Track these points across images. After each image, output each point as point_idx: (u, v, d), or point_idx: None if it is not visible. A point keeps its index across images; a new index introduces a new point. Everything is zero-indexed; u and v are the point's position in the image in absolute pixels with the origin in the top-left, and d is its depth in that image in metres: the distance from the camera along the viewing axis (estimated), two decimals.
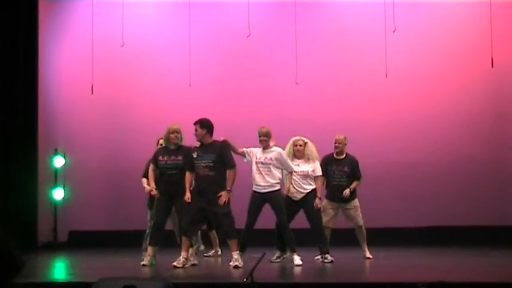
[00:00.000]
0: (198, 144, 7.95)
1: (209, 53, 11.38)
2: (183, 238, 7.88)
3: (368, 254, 8.62)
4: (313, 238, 8.33)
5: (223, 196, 7.72)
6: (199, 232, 8.92)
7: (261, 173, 8.08)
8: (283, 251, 8.41)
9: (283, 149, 8.36)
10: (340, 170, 8.67)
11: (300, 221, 8.45)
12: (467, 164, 10.82)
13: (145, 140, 10.04)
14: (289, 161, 8.22)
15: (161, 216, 8.14)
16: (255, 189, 8.15)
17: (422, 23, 11.10)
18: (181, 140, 8.16)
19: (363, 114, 11.01)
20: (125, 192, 11.04)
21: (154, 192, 8.09)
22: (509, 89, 10.92)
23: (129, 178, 10.61)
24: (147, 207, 8.71)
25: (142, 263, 8.01)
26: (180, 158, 8.06)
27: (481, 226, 10.47)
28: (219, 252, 9.23)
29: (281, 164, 8.14)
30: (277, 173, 8.13)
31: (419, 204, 10.83)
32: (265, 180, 8.06)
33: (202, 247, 9.29)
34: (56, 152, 11.37)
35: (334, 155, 8.75)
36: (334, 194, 8.60)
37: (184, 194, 7.80)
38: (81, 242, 11.10)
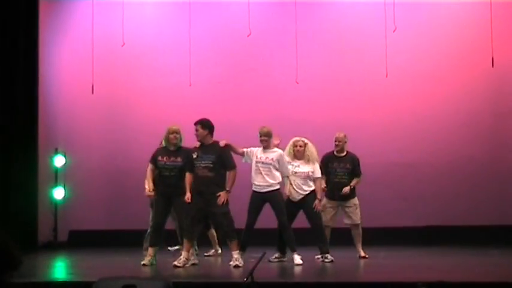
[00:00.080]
0: (197, 144, 7.95)
1: (209, 53, 11.37)
2: (184, 240, 7.88)
3: (363, 254, 8.60)
4: (313, 238, 8.34)
5: (222, 196, 7.73)
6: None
7: (261, 173, 8.08)
8: (283, 253, 8.41)
9: (283, 149, 8.36)
10: (342, 167, 8.68)
11: (300, 220, 8.45)
12: (467, 164, 10.82)
13: (145, 140, 10.05)
14: (287, 165, 8.21)
15: (160, 217, 8.13)
16: (255, 189, 8.15)
17: (422, 22, 11.10)
18: (180, 140, 8.15)
19: (363, 114, 11.01)
20: (125, 191, 11.04)
21: (150, 193, 8.09)
22: (509, 89, 10.92)
23: (129, 178, 10.63)
24: (150, 206, 8.71)
25: (142, 263, 8.01)
26: (179, 159, 8.05)
27: (480, 226, 10.46)
28: (219, 251, 9.22)
29: (280, 166, 8.13)
30: (277, 174, 8.13)
31: (419, 204, 10.82)
32: (265, 180, 8.06)
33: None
34: (56, 152, 11.37)
35: (335, 152, 8.75)
36: (334, 191, 8.60)
37: (182, 194, 7.80)
38: (81, 241, 11.10)
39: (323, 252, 8.24)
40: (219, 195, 7.72)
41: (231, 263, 7.75)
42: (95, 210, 11.42)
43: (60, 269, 8.98)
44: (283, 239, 8.27)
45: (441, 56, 10.99)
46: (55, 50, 11.66)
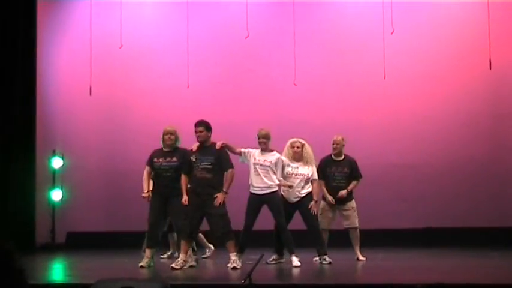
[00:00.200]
0: (195, 146, 7.91)
1: (207, 54, 11.37)
2: (182, 241, 7.85)
3: (361, 257, 8.57)
4: (311, 240, 8.30)
5: (219, 197, 7.70)
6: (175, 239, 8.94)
7: (259, 175, 8.05)
8: (280, 255, 8.38)
9: (280, 151, 8.31)
10: (340, 171, 8.65)
11: (298, 222, 8.42)
12: (467, 165, 10.80)
13: (143, 141, 10.03)
14: (281, 170, 8.14)
15: (156, 217, 8.11)
16: (253, 191, 8.11)
17: (420, 24, 11.09)
18: (176, 141, 8.12)
19: (362, 115, 11.00)
20: (123, 193, 11.01)
21: (145, 194, 8.08)
22: (507, 90, 10.92)
23: (127, 179, 10.60)
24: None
25: (140, 265, 7.98)
26: (175, 159, 8.03)
27: (480, 227, 10.45)
28: (212, 248, 9.12)
29: (276, 169, 8.09)
30: (275, 176, 8.09)
31: (419, 205, 10.81)
32: (263, 182, 8.03)
33: (176, 254, 9.16)
34: (54, 153, 11.35)
35: (333, 156, 8.72)
36: (333, 196, 8.56)
37: (178, 195, 7.78)
38: (79, 243, 11.08)
39: (320, 254, 8.21)
40: (216, 197, 7.69)
41: (229, 265, 7.71)
42: (92, 211, 11.39)
43: (57, 270, 8.95)
44: (280, 241, 8.24)
45: (440, 57, 10.99)
46: (53, 51, 11.65)
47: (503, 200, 10.72)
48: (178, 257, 7.89)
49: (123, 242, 10.52)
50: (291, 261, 7.96)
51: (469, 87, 10.89)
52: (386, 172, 10.80)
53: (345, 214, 8.65)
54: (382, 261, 8.59)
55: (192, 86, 10.89)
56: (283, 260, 8.33)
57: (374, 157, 10.51)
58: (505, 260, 8.47)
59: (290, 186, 8.15)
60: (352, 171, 8.67)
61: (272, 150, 8.18)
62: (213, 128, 7.96)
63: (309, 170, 8.32)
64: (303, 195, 8.28)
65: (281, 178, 8.10)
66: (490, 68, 10.04)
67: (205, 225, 8.06)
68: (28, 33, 11.04)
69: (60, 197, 11.37)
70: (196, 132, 7.87)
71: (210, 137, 7.93)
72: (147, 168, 8.18)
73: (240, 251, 7.96)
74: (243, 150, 8.16)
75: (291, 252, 8.04)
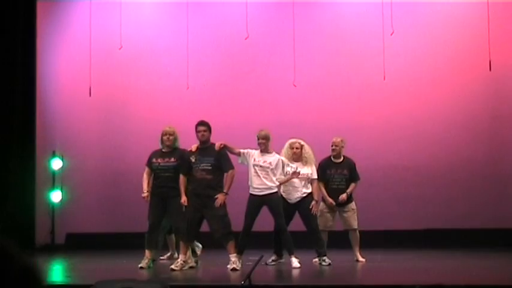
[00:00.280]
0: (194, 146, 7.91)
1: (207, 55, 11.36)
2: (181, 243, 7.85)
3: (360, 258, 8.56)
4: (310, 241, 8.30)
5: (219, 198, 7.70)
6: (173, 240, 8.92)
7: (259, 176, 8.05)
8: (279, 255, 8.38)
9: (279, 152, 8.32)
10: (339, 173, 8.64)
11: (298, 223, 8.42)
12: (466, 167, 10.80)
13: (143, 143, 10.02)
14: (281, 172, 8.15)
15: (155, 217, 8.11)
16: (252, 192, 8.11)
17: (420, 25, 11.09)
18: (175, 141, 8.13)
19: (361, 116, 11.00)
20: (123, 194, 11.01)
21: (144, 194, 8.09)
22: (507, 91, 10.92)
23: (127, 180, 10.60)
24: None
25: (139, 266, 7.98)
26: (173, 159, 8.05)
27: (479, 229, 10.45)
28: (200, 246, 8.98)
29: (277, 170, 8.09)
30: (275, 177, 8.09)
31: (418, 207, 10.80)
32: (263, 183, 8.03)
33: (176, 255, 9.14)
34: (53, 154, 11.35)
35: (332, 158, 8.71)
36: (333, 198, 8.56)
37: (177, 195, 7.78)
38: (78, 244, 11.07)
39: (320, 255, 8.21)
40: (217, 198, 7.69)
41: (229, 266, 7.71)
42: (92, 212, 11.39)
43: (57, 271, 8.94)
44: (279, 242, 8.24)
45: (439, 58, 10.99)
46: (53, 51, 11.64)
47: (503, 201, 10.71)
48: (178, 258, 7.89)
49: (122, 242, 10.51)
50: (290, 263, 7.96)
51: (469, 88, 10.89)
52: (385, 173, 10.80)
53: (344, 216, 8.65)
54: (381, 263, 8.59)
55: (192, 87, 10.89)
56: (282, 260, 8.33)
57: (373, 158, 10.51)
58: (504, 261, 8.47)
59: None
60: (351, 173, 8.67)
61: (272, 151, 8.18)
62: (212, 128, 7.97)
63: (309, 170, 8.33)
64: (304, 195, 8.28)
65: (281, 177, 8.10)
66: (490, 69, 10.05)
67: (205, 226, 8.07)
68: (28, 33, 11.04)
69: (60, 198, 11.37)
70: (199, 131, 7.86)
71: (210, 137, 7.94)
72: (146, 169, 8.21)
73: (240, 252, 7.96)
74: (242, 151, 8.16)
75: (291, 254, 8.04)
